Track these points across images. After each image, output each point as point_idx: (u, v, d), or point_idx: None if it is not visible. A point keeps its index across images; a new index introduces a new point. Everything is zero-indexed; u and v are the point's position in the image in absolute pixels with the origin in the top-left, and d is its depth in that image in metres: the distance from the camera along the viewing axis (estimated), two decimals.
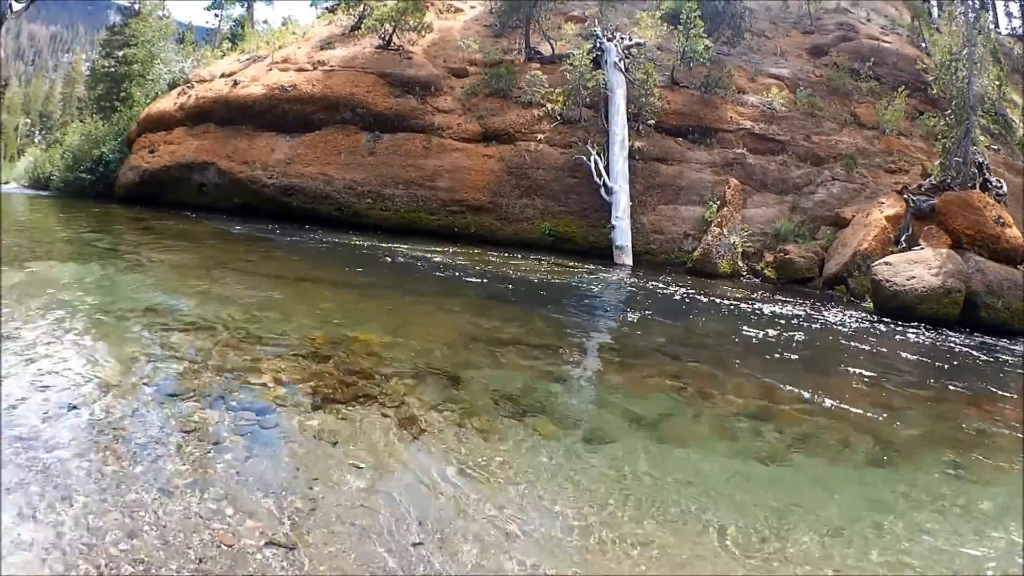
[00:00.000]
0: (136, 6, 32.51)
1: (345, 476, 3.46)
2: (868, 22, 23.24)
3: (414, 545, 2.91)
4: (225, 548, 2.76)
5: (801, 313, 9.66)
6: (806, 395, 5.38)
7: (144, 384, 4.65)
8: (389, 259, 12.41)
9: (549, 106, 17.89)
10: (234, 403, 4.35)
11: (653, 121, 17.51)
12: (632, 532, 3.15)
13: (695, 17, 18.27)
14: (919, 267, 10.46)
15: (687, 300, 10.27)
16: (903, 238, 13.29)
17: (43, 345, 5.34)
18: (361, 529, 2.99)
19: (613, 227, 15.71)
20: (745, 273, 14.58)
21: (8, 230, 16.32)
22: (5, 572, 2.52)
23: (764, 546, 3.12)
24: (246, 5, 31.34)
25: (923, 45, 21.48)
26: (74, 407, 4.09)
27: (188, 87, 22.48)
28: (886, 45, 20.94)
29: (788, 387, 5.61)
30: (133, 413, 4.07)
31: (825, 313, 9.93)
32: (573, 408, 4.86)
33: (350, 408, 4.39)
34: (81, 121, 35.00)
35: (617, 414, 4.72)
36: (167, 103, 22.72)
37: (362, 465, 3.61)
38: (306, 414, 4.26)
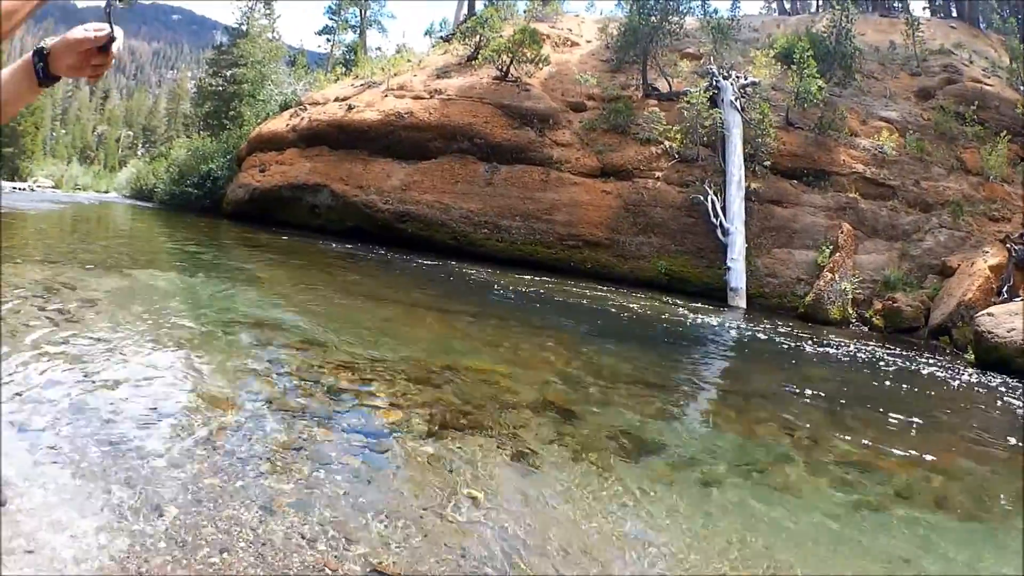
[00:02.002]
0: (243, 27, 33.62)
1: (458, 506, 3.28)
2: (971, 64, 22.45)
3: None
4: (328, 572, 2.60)
5: (906, 364, 9.43)
6: (909, 448, 5.27)
7: (250, 398, 4.55)
8: (505, 290, 12.31)
9: (667, 143, 17.66)
10: (345, 424, 4.23)
11: (769, 162, 17.18)
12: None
13: (808, 57, 17.91)
14: (1018, 319, 10.04)
15: (798, 346, 10.08)
16: (1004, 288, 12.81)
17: (140, 352, 5.29)
18: (473, 562, 2.79)
19: (728, 268, 15.40)
20: (854, 320, 14.22)
21: (108, 237, 16.86)
22: None
23: None
24: (358, 31, 32.04)
25: (1022, 89, 20.60)
26: (172, 416, 3.98)
27: (301, 109, 22.97)
28: (988, 88, 20.19)
29: (892, 439, 5.51)
30: (237, 427, 3.95)
31: (929, 364, 9.69)
32: (686, 450, 4.69)
33: (465, 437, 4.24)
34: (187, 136, 36.23)
35: (729, 457, 4.58)
36: (279, 124, 23.25)
37: (477, 494, 3.43)
38: (420, 440, 4.11)
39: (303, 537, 2.81)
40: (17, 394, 3.98)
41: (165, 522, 2.77)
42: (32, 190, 39.66)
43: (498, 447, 4.15)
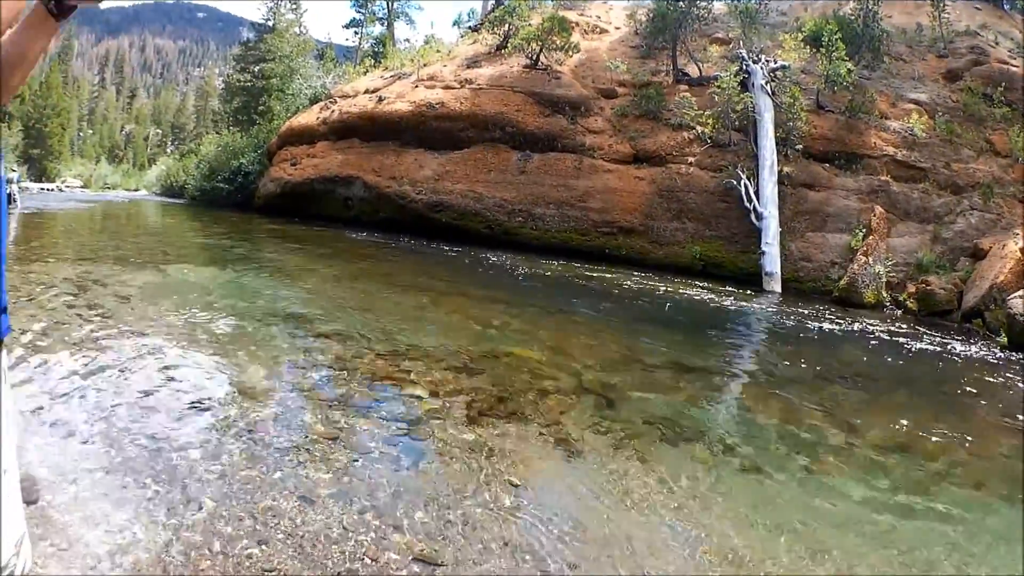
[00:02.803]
0: (270, 23, 33.84)
1: (499, 493, 3.29)
2: (996, 45, 22.08)
3: (569, 567, 2.70)
4: (368, 562, 2.60)
5: (940, 347, 9.36)
6: (947, 431, 5.22)
7: (288, 389, 4.57)
8: (540, 278, 12.34)
9: (699, 129, 17.56)
10: (384, 413, 4.23)
11: (801, 146, 17.03)
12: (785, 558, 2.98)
13: (836, 40, 17.70)
14: None
15: (834, 330, 10.04)
16: None
17: (175, 346, 5.31)
18: (514, 549, 2.79)
19: (763, 253, 15.27)
20: (889, 304, 14.09)
21: (139, 234, 17.06)
22: (116, 571, 2.37)
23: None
24: (386, 23, 32.17)
25: None
26: (208, 409, 3.99)
27: (331, 102, 23.13)
28: (1014, 70, 19.84)
29: (930, 422, 5.47)
30: (275, 418, 3.96)
31: (963, 348, 9.62)
32: (726, 435, 4.69)
33: (505, 424, 4.25)
34: (217, 133, 36.53)
35: (769, 442, 4.57)
36: (310, 117, 23.42)
37: (517, 482, 3.43)
38: (460, 427, 4.12)
39: (343, 527, 2.81)
40: (48, 392, 3.99)
41: (203, 515, 2.78)
42: (60, 190, 40.22)
43: (538, 434, 4.15)
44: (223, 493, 2.98)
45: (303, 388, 4.61)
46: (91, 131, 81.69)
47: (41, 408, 3.73)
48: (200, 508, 2.83)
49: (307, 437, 3.73)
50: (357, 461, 3.48)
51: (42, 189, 36.61)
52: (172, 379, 4.46)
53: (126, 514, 2.72)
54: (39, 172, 49.11)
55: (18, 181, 20.35)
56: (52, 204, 23.69)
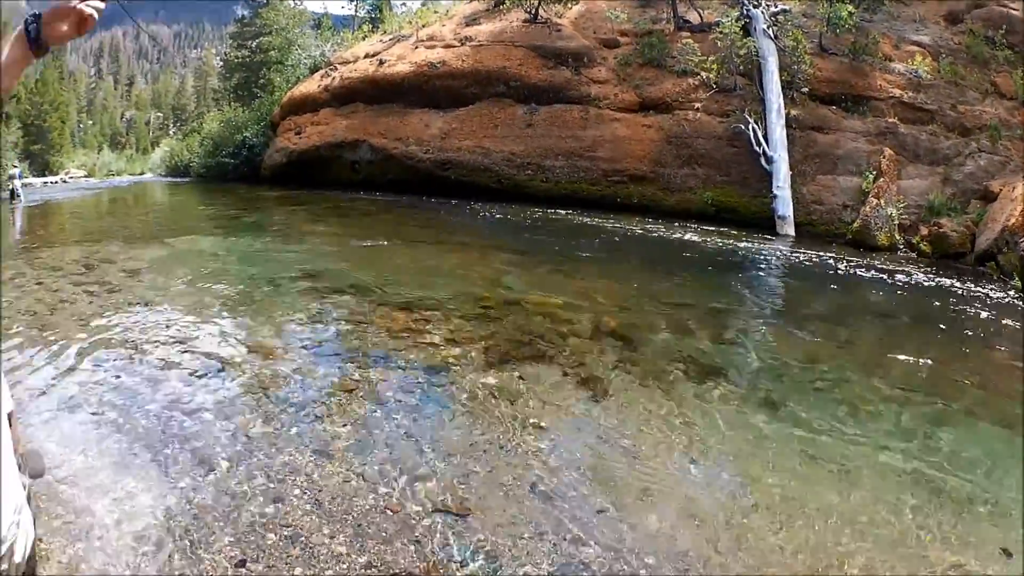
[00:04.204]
0: None
1: (524, 437, 3.19)
2: None
3: (598, 512, 2.62)
4: (389, 514, 2.51)
5: (955, 289, 9.36)
6: (967, 369, 5.15)
7: (301, 345, 4.49)
8: (553, 228, 12.31)
9: (703, 75, 17.43)
10: (401, 362, 4.13)
11: (806, 89, 16.91)
12: (812, 491, 2.90)
13: None
14: None
15: (850, 272, 10.05)
16: None
17: (184, 312, 5.25)
18: (541, 494, 2.71)
19: (775, 196, 15.24)
20: (902, 246, 14.04)
21: (146, 213, 17.08)
22: (125, 539, 2.30)
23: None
24: None
25: None
26: (220, 370, 3.90)
27: (331, 69, 22.96)
28: (1014, 12, 19.57)
29: (950, 360, 5.41)
30: (289, 375, 3.87)
31: (977, 289, 9.60)
32: (749, 372, 4.63)
33: (527, 367, 4.16)
34: (219, 110, 36.38)
35: (792, 379, 4.50)
36: (311, 86, 23.29)
37: (543, 425, 3.34)
38: (480, 372, 4.02)
39: (363, 479, 2.74)
40: (55, 367, 3.94)
41: (215, 475, 2.72)
42: (65, 181, 40.09)
43: (561, 375, 4.08)
44: (236, 452, 2.93)
45: (317, 343, 4.54)
46: (91, 121, 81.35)
47: (49, 384, 3.67)
48: (212, 470, 2.77)
49: (323, 391, 3.66)
50: (375, 412, 3.40)
51: (46, 183, 36.56)
52: (182, 345, 4.39)
53: (135, 481, 2.67)
54: (42, 166, 49.07)
55: (20, 177, 20.34)
56: (57, 195, 23.70)
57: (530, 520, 2.55)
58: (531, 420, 3.40)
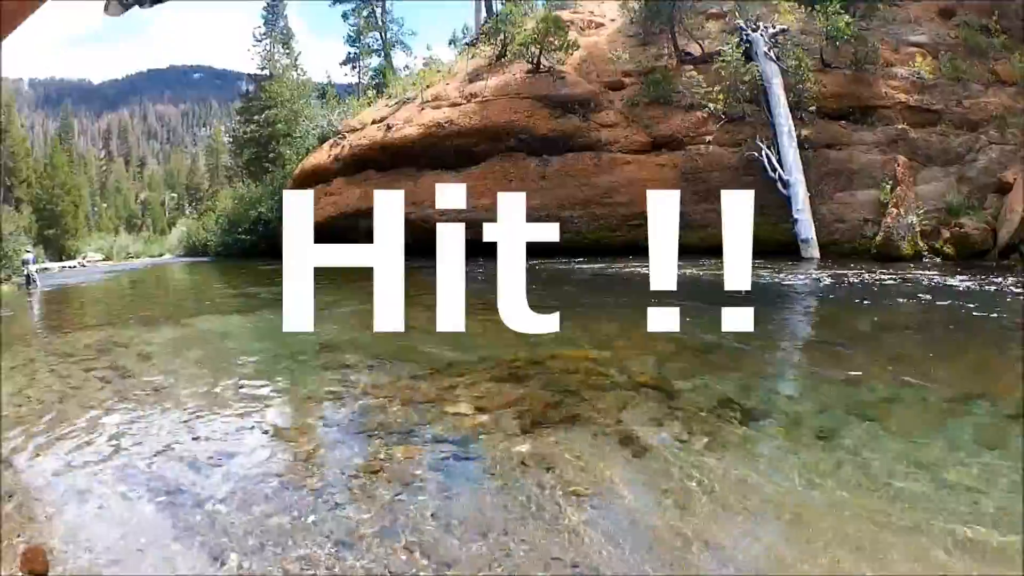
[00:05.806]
0: (266, 71, 34.14)
1: (563, 507, 2.97)
2: None
3: None
4: None
5: (984, 288, 9.30)
6: (1014, 371, 5.00)
7: (321, 424, 4.37)
8: (576, 279, 12.30)
9: (711, 106, 17.45)
10: (428, 436, 3.97)
11: (814, 107, 16.99)
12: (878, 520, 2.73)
13: None
14: None
15: (880, 286, 10.04)
16: None
17: (197, 394, 5.14)
18: (586, 571, 2.49)
19: (796, 220, 15.29)
20: (926, 253, 14.28)
21: (163, 294, 17.11)
22: None
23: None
24: (382, 54, 32.29)
25: None
26: (234, 455, 3.78)
27: (340, 138, 23.20)
28: None
29: (996, 362, 5.38)
30: (307, 458, 3.74)
31: (1006, 285, 9.52)
32: (794, 405, 4.46)
33: (562, 430, 3.95)
34: (232, 187, 36.87)
35: (840, 406, 4.28)
36: (321, 156, 23.54)
37: (582, 492, 3.13)
38: (512, 439, 3.82)
39: (387, 570, 2.57)
40: (61, 458, 3.83)
41: (224, 572, 2.60)
42: (83, 266, 40.54)
43: (597, 435, 3.89)
44: (249, 546, 2.77)
45: (338, 421, 4.42)
46: (105, 204, 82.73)
47: (53, 476, 3.58)
48: (223, 565, 2.64)
49: (344, 474, 3.51)
50: (400, 495, 3.21)
51: (63, 267, 37.01)
52: (194, 430, 4.26)
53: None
54: (58, 251, 49.75)
55: (33, 262, 20.47)
56: (74, 280, 23.81)
57: None
58: (570, 489, 3.20)
